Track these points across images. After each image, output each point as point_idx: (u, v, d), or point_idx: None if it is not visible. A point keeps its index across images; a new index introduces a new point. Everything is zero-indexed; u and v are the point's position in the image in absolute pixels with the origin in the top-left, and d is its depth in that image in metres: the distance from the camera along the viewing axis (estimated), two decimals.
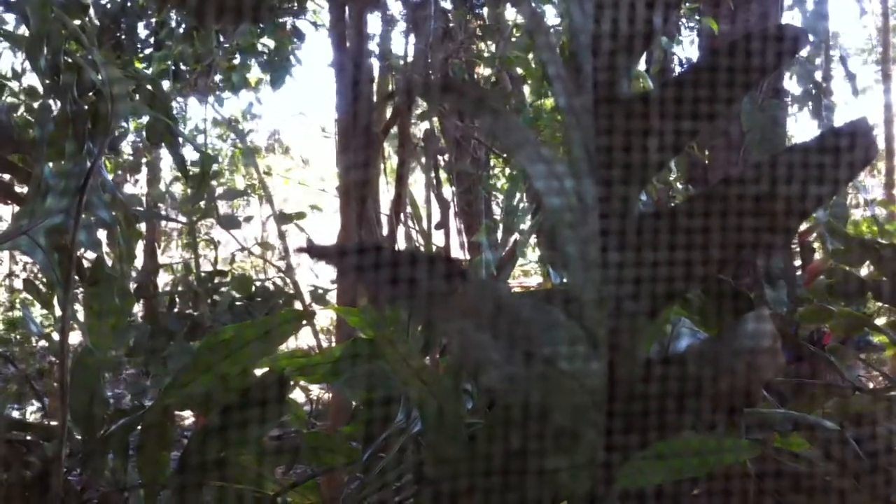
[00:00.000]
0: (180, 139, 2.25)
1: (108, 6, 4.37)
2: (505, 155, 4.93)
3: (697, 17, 4.45)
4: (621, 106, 0.62)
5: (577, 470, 0.63)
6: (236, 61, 5.05)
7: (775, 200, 0.59)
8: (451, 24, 4.37)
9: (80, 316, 1.69)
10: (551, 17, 4.68)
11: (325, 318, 5.95)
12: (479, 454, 0.74)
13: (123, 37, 4.43)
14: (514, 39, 4.25)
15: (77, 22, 1.82)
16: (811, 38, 3.55)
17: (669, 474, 0.87)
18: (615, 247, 0.62)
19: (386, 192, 4.44)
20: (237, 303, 4.10)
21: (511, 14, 4.50)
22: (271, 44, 4.94)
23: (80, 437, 1.49)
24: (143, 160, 6.00)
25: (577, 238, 0.63)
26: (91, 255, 1.71)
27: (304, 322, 1.80)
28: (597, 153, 0.62)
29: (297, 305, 4.30)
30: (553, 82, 0.63)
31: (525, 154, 0.64)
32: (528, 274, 7.99)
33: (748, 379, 0.58)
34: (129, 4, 4.37)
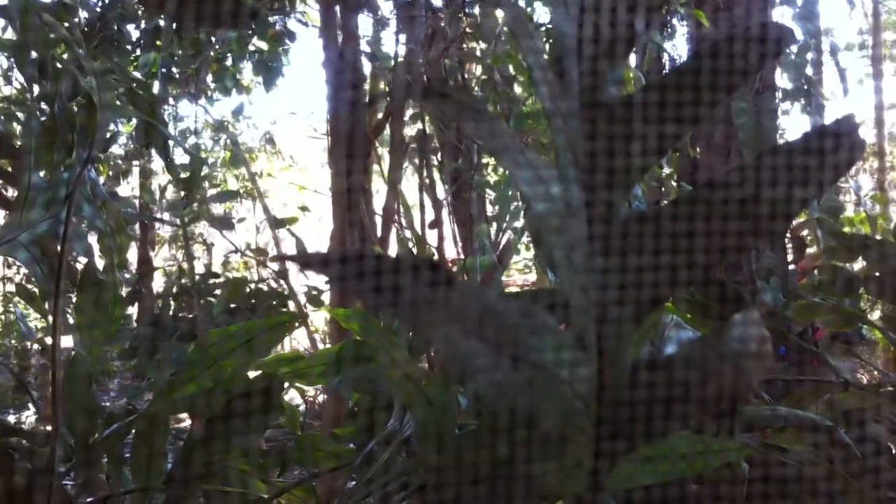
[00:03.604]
0: (170, 142, 2.25)
1: (98, 5, 4.35)
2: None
3: (682, 11, 4.45)
4: (604, 111, 0.62)
5: (565, 476, 0.63)
6: (228, 62, 5.04)
7: (759, 204, 0.59)
8: (441, 24, 4.36)
9: (73, 320, 1.68)
10: (543, 13, 4.68)
11: (321, 318, 5.93)
12: (468, 460, 0.74)
13: (113, 36, 4.40)
14: (504, 38, 4.24)
15: (66, 24, 1.81)
16: (801, 34, 3.55)
17: (657, 477, 0.87)
18: (599, 252, 0.62)
19: (378, 193, 4.43)
20: (232, 304, 4.09)
21: (501, 13, 4.49)
22: (262, 45, 4.93)
23: (73, 443, 1.48)
24: (136, 162, 5.98)
25: (563, 243, 0.62)
26: (83, 259, 1.70)
27: (298, 324, 1.80)
28: (582, 158, 0.61)
29: (292, 306, 4.29)
30: (538, 87, 0.63)
31: (511, 159, 0.64)
32: (522, 272, 7.99)
33: (734, 383, 0.58)
34: (121, 3, 4.35)
